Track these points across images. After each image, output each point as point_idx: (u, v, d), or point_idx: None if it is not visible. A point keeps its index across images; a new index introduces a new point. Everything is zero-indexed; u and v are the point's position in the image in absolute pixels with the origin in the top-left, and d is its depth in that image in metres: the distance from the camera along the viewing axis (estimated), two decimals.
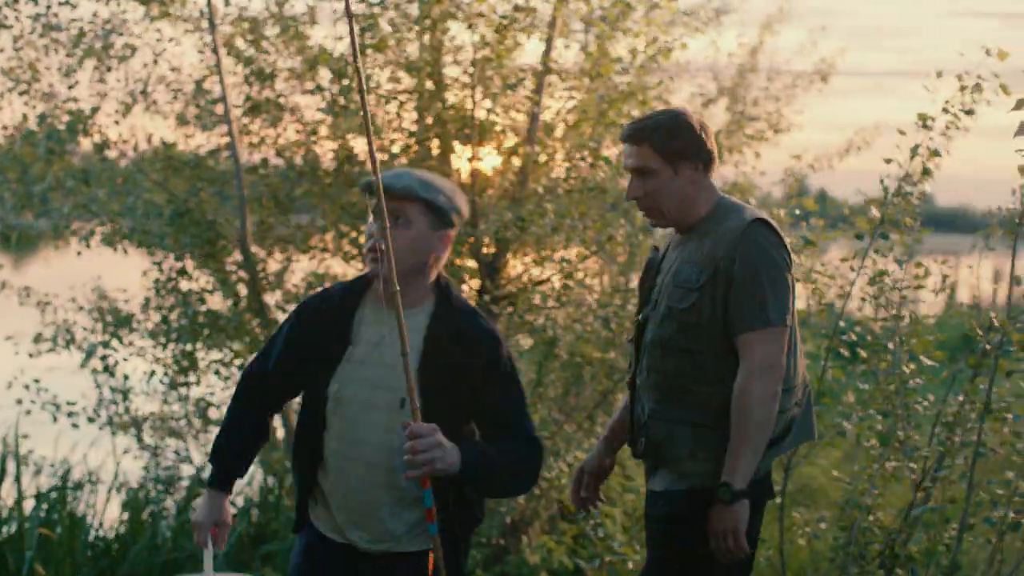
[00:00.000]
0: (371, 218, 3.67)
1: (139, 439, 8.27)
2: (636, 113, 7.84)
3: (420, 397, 3.59)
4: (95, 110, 7.74)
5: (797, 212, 5.92)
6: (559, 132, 7.47)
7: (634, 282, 8.32)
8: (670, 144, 4.09)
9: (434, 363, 3.73)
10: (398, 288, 3.53)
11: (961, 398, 5.03)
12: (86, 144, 7.78)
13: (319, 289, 4.69)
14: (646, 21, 7.71)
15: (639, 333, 4.26)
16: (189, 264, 7.96)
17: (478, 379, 3.76)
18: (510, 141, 7.46)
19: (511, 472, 3.80)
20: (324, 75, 7.69)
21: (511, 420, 3.82)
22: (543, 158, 7.43)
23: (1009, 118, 4.51)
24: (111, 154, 7.96)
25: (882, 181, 5.21)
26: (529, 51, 9.54)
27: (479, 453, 3.70)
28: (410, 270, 3.71)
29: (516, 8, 7.18)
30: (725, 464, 3.96)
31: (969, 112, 5.22)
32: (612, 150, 7.41)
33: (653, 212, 4.17)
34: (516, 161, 7.47)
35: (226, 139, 7.96)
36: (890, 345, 5.06)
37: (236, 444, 4.04)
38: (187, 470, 8.38)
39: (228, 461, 4.04)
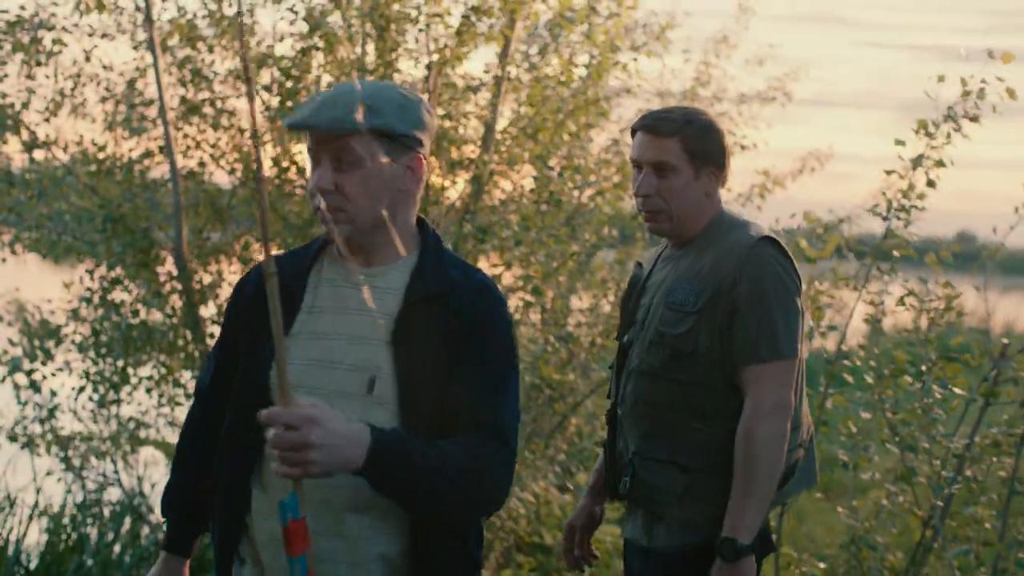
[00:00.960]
0: (309, 165, 2.90)
1: (65, 460, 7.76)
2: (591, 122, 7.56)
3: (394, 380, 2.81)
4: (25, 105, 7.27)
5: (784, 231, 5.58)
6: (515, 141, 7.14)
7: (580, 302, 7.99)
8: (701, 143, 3.72)
9: (413, 332, 2.83)
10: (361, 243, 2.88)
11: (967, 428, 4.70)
12: (14, 143, 7.30)
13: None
14: (603, 30, 7.47)
15: (622, 358, 3.85)
16: (121, 274, 7.47)
17: (461, 345, 2.85)
18: (465, 150, 7.17)
19: (462, 480, 2.73)
20: (263, 78, 7.34)
21: (483, 409, 2.84)
22: (500, 168, 7.09)
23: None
24: (39, 155, 7.50)
25: (884, 194, 4.88)
26: (484, 56, 9.21)
27: (404, 444, 2.68)
28: (376, 219, 2.88)
29: (474, 9, 6.88)
30: (727, 516, 3.53)
31: (974, 119, 4.89)
32: (564, 161, 7.17)
33: (658, 215, 3.74)
34: (465, 174, 7.14)
35: (159, 143, 7.53)
36: (923, 368, 4.69)
37: (190, 488, 3.11)
38: (114, 494, 7.88)
39: (183, 512, 3.14)
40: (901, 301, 4.84)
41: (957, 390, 4.63)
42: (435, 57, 6.76)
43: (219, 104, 7.48)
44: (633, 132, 3.80)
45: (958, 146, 4.77)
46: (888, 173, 4.89)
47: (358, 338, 2.87)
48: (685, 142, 3.69)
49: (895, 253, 4.91)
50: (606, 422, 3.94)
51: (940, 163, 4.88)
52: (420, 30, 6.84)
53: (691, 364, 3.63)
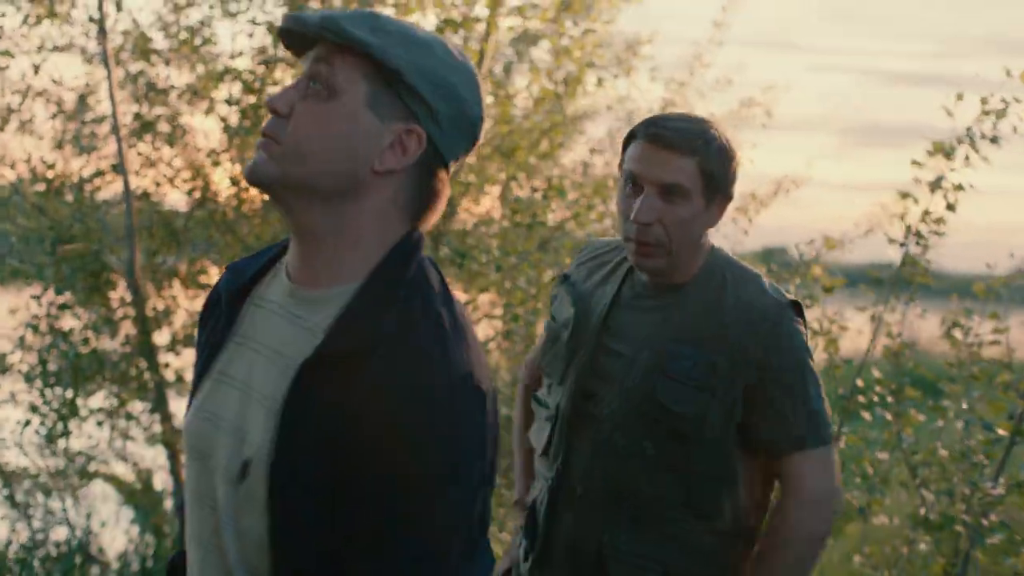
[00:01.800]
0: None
1: (10, 498, 7.32)
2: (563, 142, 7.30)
3: (265, 474, 1.95)
4: None
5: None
6: (488, 160, 6.84)
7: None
8: (720, 166, 3.01)
9: (311, 406, 1.92)
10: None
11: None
12: None
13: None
14: (579, 45, 7.21)
15: (574, 411, 3.10)
16: (71, 299, 7.07)
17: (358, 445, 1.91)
18: None
19: None
20: (221, 94, 7.02)
21: (379, 535, 1.90)
22: (475, 187, 6.79)
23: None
24: None
25: (903, 219, 4.56)
26: None
27: None
28: (332, 188, 1.99)
29: (447, 22, 6.59)
30: None
31: (994, 140, 4.58)
32: (535, 181, 6.89)
33: (656, 250, 3.00)
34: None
35: (110, 161, 7.16)
36: (964, 405, 4.36)
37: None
38: (62, 533, 7.44)
39: None
40: (948, 333, 4.50)
41: (1000, 431, 4.28)
42: None
43: (174, 121, 7.13)
44: (629, 139, 3.08)
45: (980, 170, 4.45)
46: (903, 196, 4.56)
47: (256, 394, 2.02)
48: (704, 163, 2.98)
49: (918, 280, 4.58)
50: (526, 501, 3.30)
51: (959, 187, 4.55)
52: None
53: (693, 450, 3.02)
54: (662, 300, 3.07)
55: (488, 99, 7.00)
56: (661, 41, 9.57)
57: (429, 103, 2.00)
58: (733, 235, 8.04)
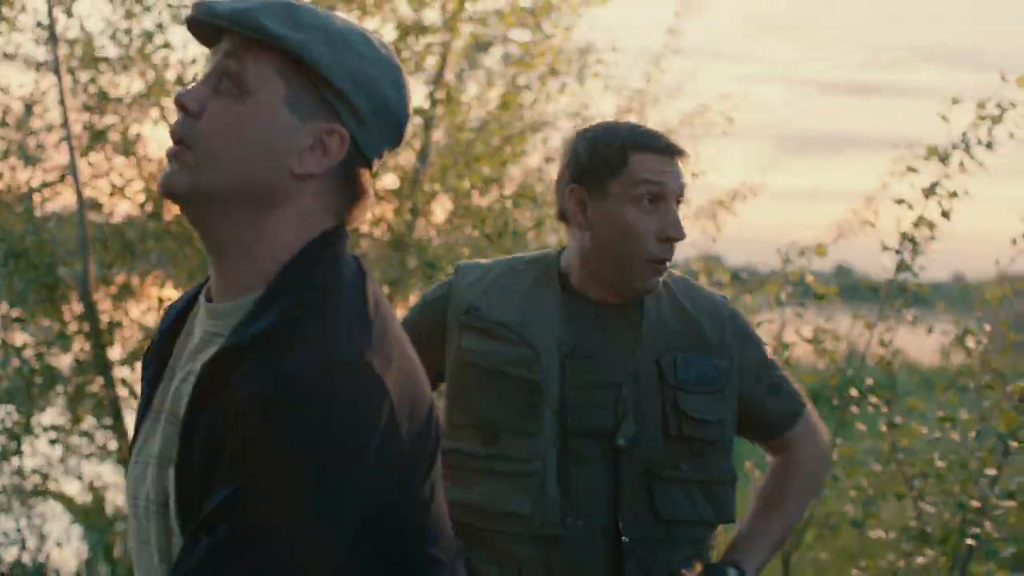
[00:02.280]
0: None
1: None
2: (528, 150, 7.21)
3: (176, 486, 1.80)
4: None
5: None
6: (453, 169, 6.71)
7: None
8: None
9: (202, 414, 1.77)
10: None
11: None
12: None
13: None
14: (540, 52, 7.11)
15: (577, 456, 2.86)
16: (23, 313, 6.84)
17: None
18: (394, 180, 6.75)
19: None
20: (170, 103, 6.82)
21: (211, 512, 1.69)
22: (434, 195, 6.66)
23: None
24: None
25: (899, 227, 4.47)
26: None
27: None
28: (249, 196, 1.83)
29: (408, 28, 6.48)
30: (745, 542, 3.00)
31: (989, 145, 4.50)
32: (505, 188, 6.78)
33: (665, 266, 2.89)
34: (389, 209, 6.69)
35: (59, 172, 6.96)
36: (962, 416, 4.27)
37: None
38: (16, 554, 7.22)
39: None
40: (960, 340, 4.41)
41: (1013, 443, 4.19)
42: None
43: (126, 130, 6.94)
44: (623, 153, 2.86)
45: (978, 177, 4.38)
46: (898, 203, 4.47)
47: (177, 419, 1.85)
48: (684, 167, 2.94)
49: (914, 288, 4.50)
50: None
51: (954, 194, 4.47)
52: None
53: (713, 459, 2.94)
54: (622, 315, 2.92)
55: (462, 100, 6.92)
56: (609, 51, 9.44)
57: (351, 100, 1.85)
58: (702, 243, 7.98)
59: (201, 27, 1.87)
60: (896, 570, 4.39)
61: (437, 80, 6.81)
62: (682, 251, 8.58)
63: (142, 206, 7.04)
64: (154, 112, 6.95)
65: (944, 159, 4.45)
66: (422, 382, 1.86)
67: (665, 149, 2.86)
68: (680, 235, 2.84)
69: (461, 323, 2.92)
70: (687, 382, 2.89)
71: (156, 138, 7.35)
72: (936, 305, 4.72)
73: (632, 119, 9.44)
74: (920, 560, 4.32)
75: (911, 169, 4.49)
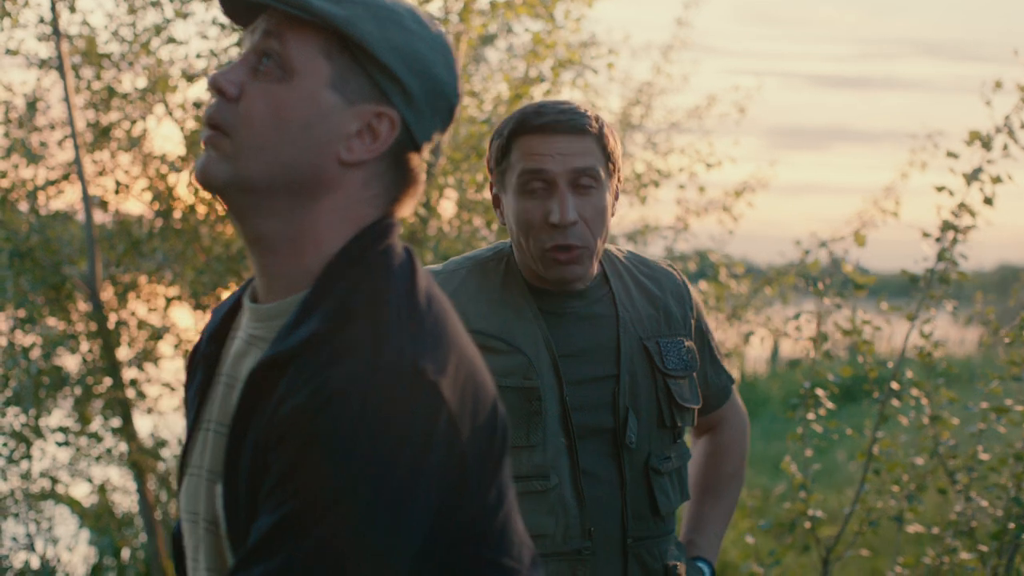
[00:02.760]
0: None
1: None
2: None
3: (224, 514, 1.71)
4: None
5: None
6: (467, 161, 6.60)
7: None
8: (613, 142, 2.75)
9: (248, 427, 1.67)
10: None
11: None
12: None
13: None
14: (550, 43, 6.99)
15: (579, 461, 2.71)
16: (26, 314, 6.71)
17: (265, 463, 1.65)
18: None
19: None
20: (178, 98, 6.73)
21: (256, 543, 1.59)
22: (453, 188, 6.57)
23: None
24: None
25: (939, 211, 4.35)
26: None
27: None
28: (292, 186, 1.72)
29: None
30: (703, 536, 2.98)
31: None
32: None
33: (582, 253, 2.67)
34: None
35: (64, 170, 6.84)
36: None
37: None
38: (23, 558, 7.09)
39: None
40: (1019, 333, 4.27)
41: None
42: None
43: (130, 127, 6.82)
44: (510, 139, 2.69)
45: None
46: (939, 190, 4.35)
47: (224, 428, 1.78)
48: (602, 142, 2.70)
49: (953, 278, 4.39)
50: None
51: (997, 179, 4.35)
52: None
53: (682, 442, 2.85)
54: (591, 302, 2.77)
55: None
56: (618, 43, 9.35)
57: (401, 80, 1.73)
58: (719, 235, 7.88)
59: (237, 5, 1.76)
60: (940, 566, 4.29)
61: None
62: (695, 244, 8.54)
63: (155, 201, 6.92)
64: (159, 108, 6.84)
65: (987, 144, 4.33)
66: (484, 379, 1.74)
67: (543, 128, 2.65)
68: (563, 220, 2.62)
69: None
70: (672, 368, 2.77)
71: (163, 134, 7.24)
72: (974, 296, 4.61)
73: (639, 111, 9.40)
74: (964, 556, 4.22)
75: (951, 154, 4.37)
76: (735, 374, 16.11)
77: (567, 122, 2.66)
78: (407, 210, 1.81)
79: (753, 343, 8.96)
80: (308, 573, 1.53)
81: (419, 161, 1.80)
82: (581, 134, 2.67)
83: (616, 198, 2.80)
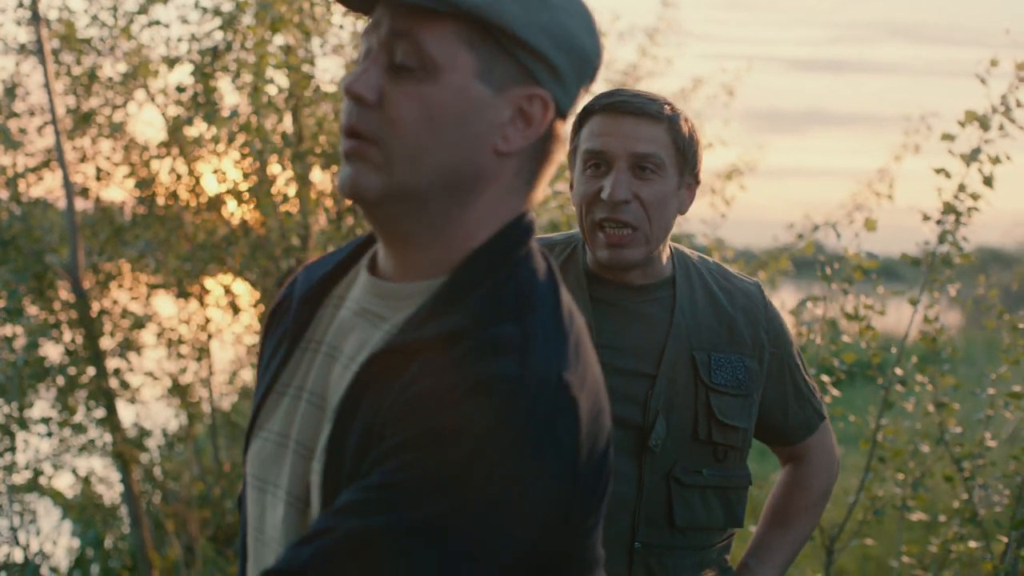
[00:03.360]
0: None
1: None
2: None
3: (319, 490, 1.64)
4: None
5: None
6: None
7: None
8: (689, 138, 2.69)
9: (360, 408, 1.61)
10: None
11: None
12: None
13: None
14: None
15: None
16: (12, 303, 6.59)
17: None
18: None
19: None
20: (159, 83, 6.61)
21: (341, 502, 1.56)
22: None
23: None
24: None
25: (940, 193, 4.28)
26: None
27: None
28: (450, 186, 1.64)
29: None
30: (761, 564, 2.92)
31: None
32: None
33: (635, 236, 2.63)
34: None
35: (43, 157, 6.72)
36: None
37: None
38: (11, 553, 6.96)
39: None
40: None
41: None
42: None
43: (111, 113, 6.70)
44: (583, 119, 2.69)
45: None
46: (937, 172, 4.28)
47: (326, 404, 1.71)
48: (674, 132, 2.66)
49: (956, 261, 4.31)
50: None
51: (996, 160, 4.28)
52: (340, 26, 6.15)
53: (733, 462, 2.77)
54: (649, 299, 2.72)
55: None
56: (608, 25, 9.24)
57: (551, 61, 1.64)
58: (712, 219, 7.80)
59: None
60: (947, 555, 4.22)
61: None
62: (691, 228, 8.44)
63: (132, 191, 6.81)
64: (140, 94, 6.72)
65: (984, 124, 4.25)
66: (606, 408, 1.68)
67: (614, 107, 2.63)
68: (613, 196, 2.59)
69: None
70: (719, 384, 2.70)
71: (143, 120, 7.13)
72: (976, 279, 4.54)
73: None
74: (972, 544, 4.15)
75: (947, 136, 4.30)
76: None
77: (636, 104, 2.62)
78: (542, 191, 1.75)
79: None
80: (408, 541, 1.48)
81: (564, 129, 1.74)
82: (649, 119, 2.63)
83: (691, 194, 2.74)
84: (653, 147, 2.62)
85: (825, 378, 4.51)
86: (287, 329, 1.80)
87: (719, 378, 2.69)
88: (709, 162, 9.54)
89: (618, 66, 9.23)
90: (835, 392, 4.52)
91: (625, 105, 2.62)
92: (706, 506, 2.72)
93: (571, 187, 2.74)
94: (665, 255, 2.75)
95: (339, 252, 1.84)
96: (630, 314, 2.70)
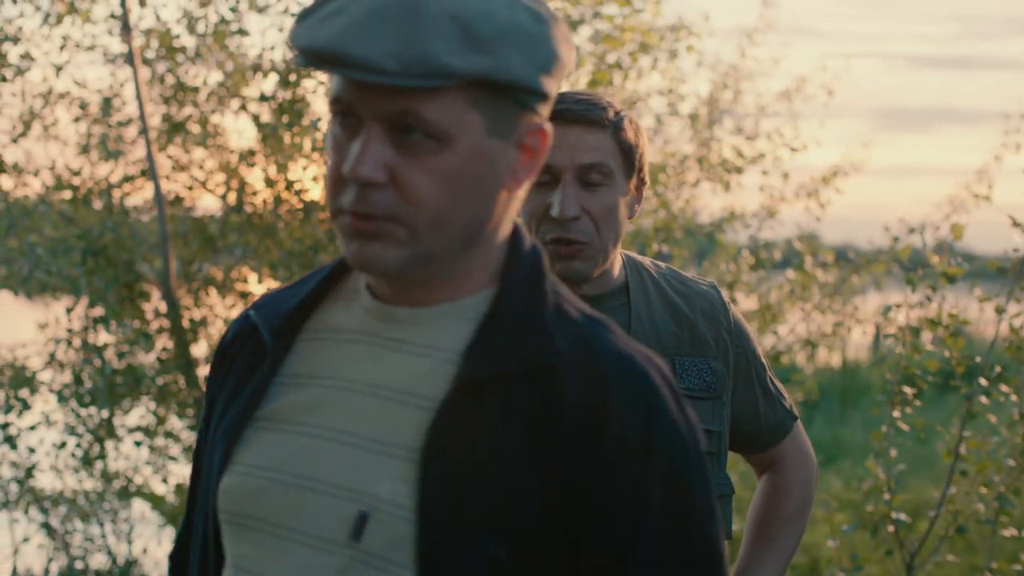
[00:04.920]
0: (332, 138, 1.60)
1: (45, 524, 6.89)
2: None
3: (414, 524, 1.54)
4: None
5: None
6: None
7: None
8: (635, 140, 2.57)
9: (467, 439, 1.54)
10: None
11: None
12: None
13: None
14: (628, 27, 6.79)
15: None
16: (103, 312, 6.64)
17: (595, 484, 1.56)
18: None
19: None
20: (252, 91, 6.62)
21: None
22: None
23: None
24: (6, 183, 6.72)
25: None
26: None
27: None
28: (459, 242, 1.60)
29: None
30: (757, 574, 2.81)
31: None
32: None
33: (586, 248, 2.52)
34: None
35: (140, 166, 6.77)
36: None
37: None
38: (102, 560, 7.03)
39: None
40: None
41: None
42: None
43: (205, 121, 6.73)
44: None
45: None
46: None
47: (357, 438, 1.61)
48: (619, 136, 2.53)
49: None
50: None
51: None
52: None
53: (711, 471, 2.64)
54: (603, 310, 2.57)
55: None
56: (701, 25, 9.09)
57: (547, 91, 1.60)
58: (805, 223, 7.64)
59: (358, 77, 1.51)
60: None
61: None
62: (782, 231, 8.29)
63: (223, 198, 6.84)
64: (234, 103, 6.74)
65: None
66: None
67: (554, 117, 2.44)
68: (562, 214, 2.46)
69: None
70: (687, 388, 2.58)
71: (237, 128, 7.16)
72: None
73: (727, 96, 9.14)
74: None
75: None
76: (833, 359, 15.85)
77: (579, 112, 2.49)
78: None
79: (855, 330, 8.71)
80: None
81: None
82: (594, 127, 2.50)
83: (637, 199, 2.62)
84: (599, 156, 2.50)
85: (907, 389, 4.36)
86: (255, 363, 1.72)
87: (685, 382, 2.59)
88: (812, 163, 9.34)
89: (721, 68, 9.07)
90: (917, 403, 4.36)
91: (569, 113, 2.49)
92: None
93: None
94: (617, 264, 2.64)
95: (303, 284, 1.76)
96: None
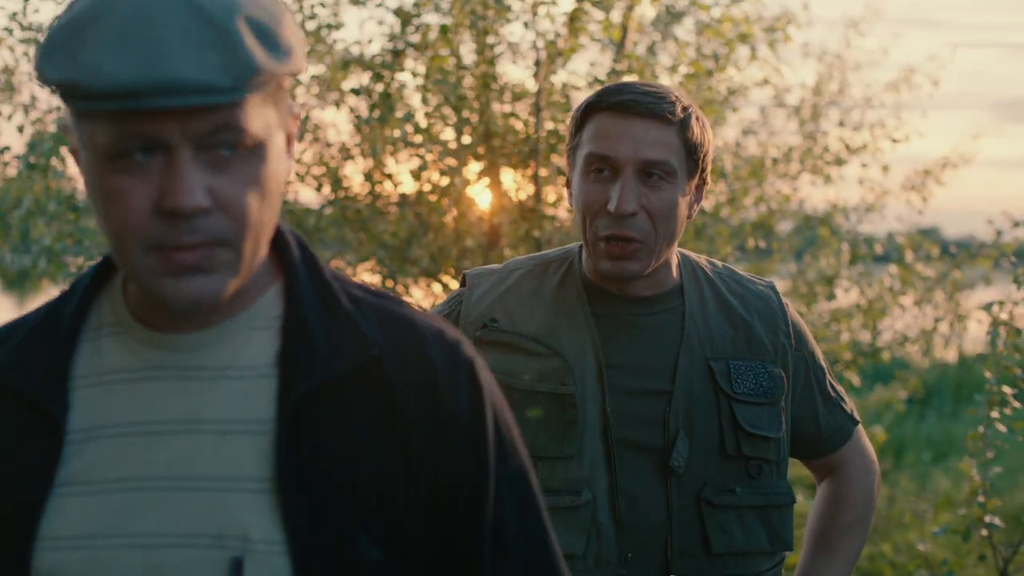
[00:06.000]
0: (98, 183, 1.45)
1: None
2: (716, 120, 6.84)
3: (286, 557, 1.46)
4: None
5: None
6: None
7: None
8: (701, 138, 2.47)
9: (317, 453, 1.49)
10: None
11: None
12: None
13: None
14: (728, 18, 6.69)
15: (620, 481, 2.45)
16: None
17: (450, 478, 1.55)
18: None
19: None
20: (350, 84, 6.61)
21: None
22: None
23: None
24: None
25: None
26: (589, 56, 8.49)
27: None
28: (263, 248, 1.51)
29: None
30: None
31: None
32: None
33: (640, 249, 2.42)
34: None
35: None
36: None
37: None
38: None
39: None
40: None
41: None
42: (542, 52, 5.94)
43: (304, 114, 6.74)
44: (585, 115, 2.47)
45: None
46: None
47: (195, 480, 1.48)
48: (685, 134, 2.43)
49: None
50: None
51: None
52: (525, 24, 6.04)
53: (770, 478, 2.54)
54: (657, 311, 2.52)
55: (633, 77, 6.53)
56: (802, 15, 8.98)
57: (295, 67, 1.52)
58: (907, 216, 7.48)
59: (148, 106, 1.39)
60: None
61: (619, 50, 6.46)
62: (888, 225, 8.15)
63: (319, 190, 6.85)
64: (332, 96, 6.75)
65: None
66: None
67: (620, 107, 2.40)
68: (620, 209, 2.37)
69: (477, 340, 2.50)
70: (742, 393, 2.48)
71: (334, 122, 7.16)
72: None
73: (833, 87, 9.00)
74: None
75: None
76: (949, 354, 15.57)
77: (646, 105, 2.40)
78: None
79: (971, 324, 8.53)
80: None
81: None
82: (660, 122, 2.41)
83: (697, 200, 2.54)
84: (663, 153, 2.40)
85: (1007, 389, 4.22)
86: (21, 426, 1.52)
87: (741, 387, 2.49)
88: (918, 154, 9.18)
89: (828, 59, 8.94)
90: (1016, 404, 4.23)
91: (635, 105, 2.40)
92: (744, 528, 2.49)
93: (567, 186, 2.55)
94: (674, 263, 2.56)
95: (47, 328, 1.58)
96: (637, 328, 2.51)
